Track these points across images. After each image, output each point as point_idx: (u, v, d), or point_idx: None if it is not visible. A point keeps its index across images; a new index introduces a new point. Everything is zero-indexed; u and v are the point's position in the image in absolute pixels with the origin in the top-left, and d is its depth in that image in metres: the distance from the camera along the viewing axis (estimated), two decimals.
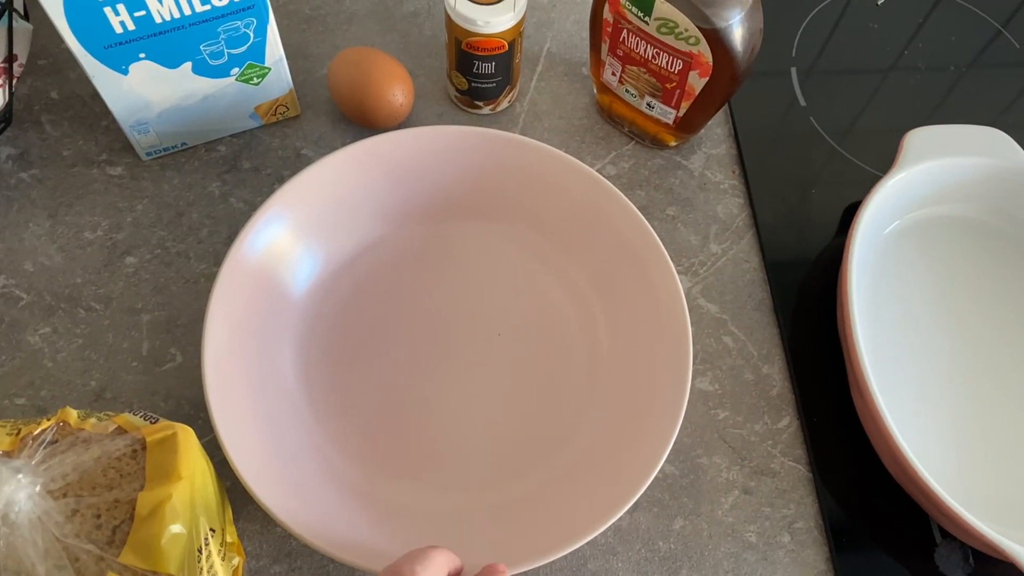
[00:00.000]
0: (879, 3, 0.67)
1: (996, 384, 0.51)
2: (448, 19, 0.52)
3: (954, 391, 0.50)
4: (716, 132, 0.60)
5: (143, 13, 0.45)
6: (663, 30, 0.48)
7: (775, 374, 0.52)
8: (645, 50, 0.51)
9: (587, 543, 0.45)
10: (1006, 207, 0.54)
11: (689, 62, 0.49)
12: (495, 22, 0.50)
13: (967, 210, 0.55)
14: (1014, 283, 0.54)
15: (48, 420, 0.38)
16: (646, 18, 0.49)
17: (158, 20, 0.46)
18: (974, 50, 0.65)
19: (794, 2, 0.66)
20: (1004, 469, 0.48)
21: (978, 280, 0.54)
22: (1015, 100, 0.63)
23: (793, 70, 0.62)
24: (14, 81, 0.50)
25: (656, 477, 0.48)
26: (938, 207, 0.55)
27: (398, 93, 0.54)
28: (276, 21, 0.50)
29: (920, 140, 0.53)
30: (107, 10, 0.44)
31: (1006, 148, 0.54)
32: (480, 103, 0.57)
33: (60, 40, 0.58)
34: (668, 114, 0.54)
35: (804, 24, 0.65)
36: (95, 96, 0.57)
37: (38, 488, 0.35)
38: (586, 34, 0.62)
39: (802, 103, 0.61)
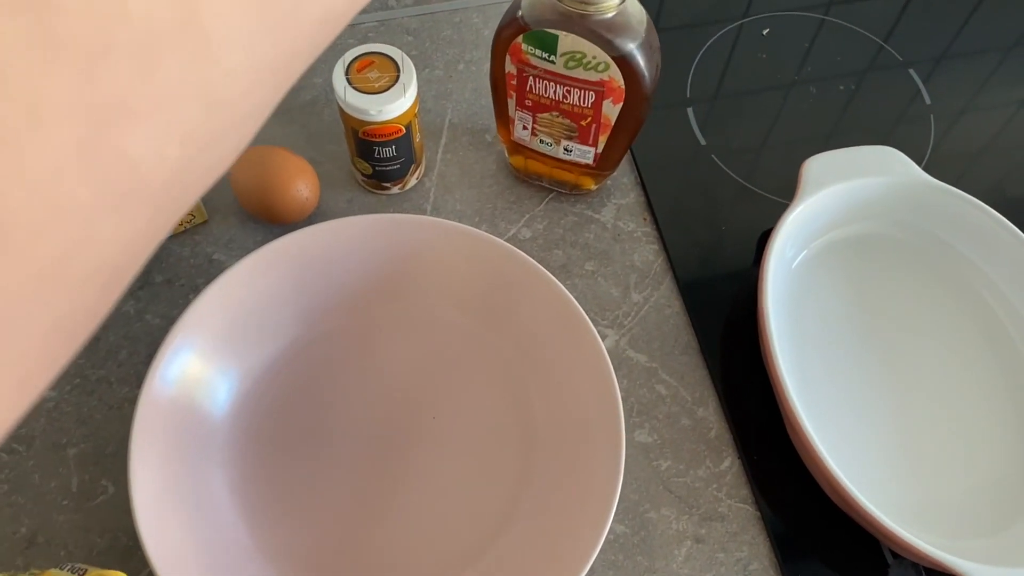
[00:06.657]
0: (764, 32, 0.69)
1: (922, 392, 0.52)
2: (341, 111, 0.52)
3: (883, 407, 0.51)
4: (623, 182, 0.60)
5: None
6: (571, 64, 0.49)
7: (710, 416, 0.52)
8: (555, 91, 0.51)
9: None
10: (906, 219, 0.56)
11: (601, 91, 0.50)
12: (387, 109, 0.51)
13: (870, 228, 0.57)
14: (923, 290, 0.56)
15: None
16: (552, 57, 0.49)
17: None
18: (861, 66, 0.68)
19: (684, 42, 0.67)
20: (943, 478, 0.50)
21: (891, 293, 0.56)
22: (904, 111, 0.66)
23: (690, 110, 0.64)
24: None
25: (608, 539, 0.48)
26: (843, 229, 0.57)
27: (303, 188, 0.54)
28: None
29: (817, 168, 0.54)
30: None
31: (899, 164, 0.55)
32: (388, 184, 0.58)
33: None
34: (587, 153, 0.55)
35: (695, 63, 0.66)
36: None
37: None
38: (485, 101, 0.63)
39: (702, 142, 0.63)
